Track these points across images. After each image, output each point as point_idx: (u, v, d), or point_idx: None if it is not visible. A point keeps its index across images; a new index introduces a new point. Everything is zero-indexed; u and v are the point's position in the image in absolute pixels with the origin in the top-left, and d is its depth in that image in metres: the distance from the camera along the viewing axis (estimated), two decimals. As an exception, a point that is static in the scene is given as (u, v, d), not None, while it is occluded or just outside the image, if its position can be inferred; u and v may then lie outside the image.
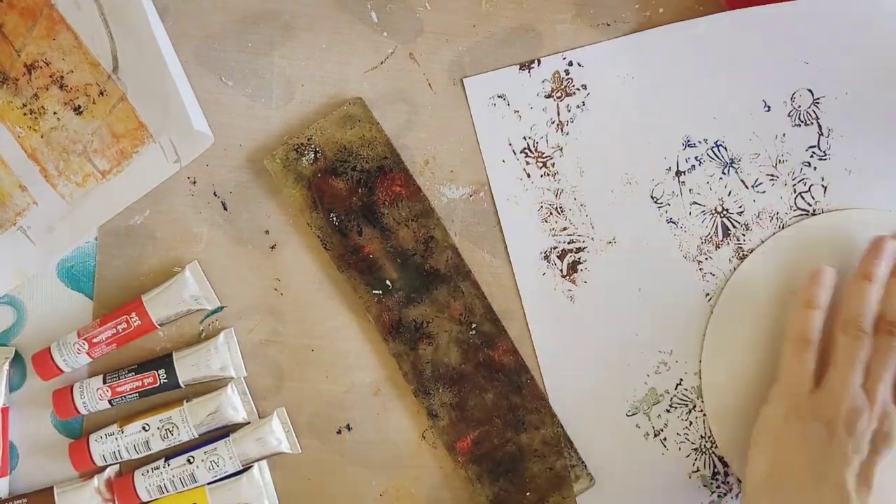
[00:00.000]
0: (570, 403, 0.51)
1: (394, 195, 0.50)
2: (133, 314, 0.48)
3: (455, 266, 0.51)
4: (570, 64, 0.50)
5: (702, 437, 0.51)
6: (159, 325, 0.49)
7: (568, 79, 0.50)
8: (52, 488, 0.49)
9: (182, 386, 0.49)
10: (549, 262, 0.51)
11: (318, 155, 0.50)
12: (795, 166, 0.50)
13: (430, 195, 0.51)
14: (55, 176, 0.48)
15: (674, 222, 0.50)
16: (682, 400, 0.51)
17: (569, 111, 0.50)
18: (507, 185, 0.51)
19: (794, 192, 0.50)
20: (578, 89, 0.50)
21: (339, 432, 0.50)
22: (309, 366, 0.51)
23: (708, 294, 0.50)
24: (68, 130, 0.47)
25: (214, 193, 0.50)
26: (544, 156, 0.51)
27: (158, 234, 0.50)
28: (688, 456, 0.51)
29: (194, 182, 0.50)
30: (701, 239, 0.51)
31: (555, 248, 0.51)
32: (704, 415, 0.51)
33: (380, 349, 0.51)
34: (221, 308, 0.50)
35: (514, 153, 0.51)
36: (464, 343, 0.50)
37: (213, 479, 0.48)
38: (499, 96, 0.50)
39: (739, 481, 0.51)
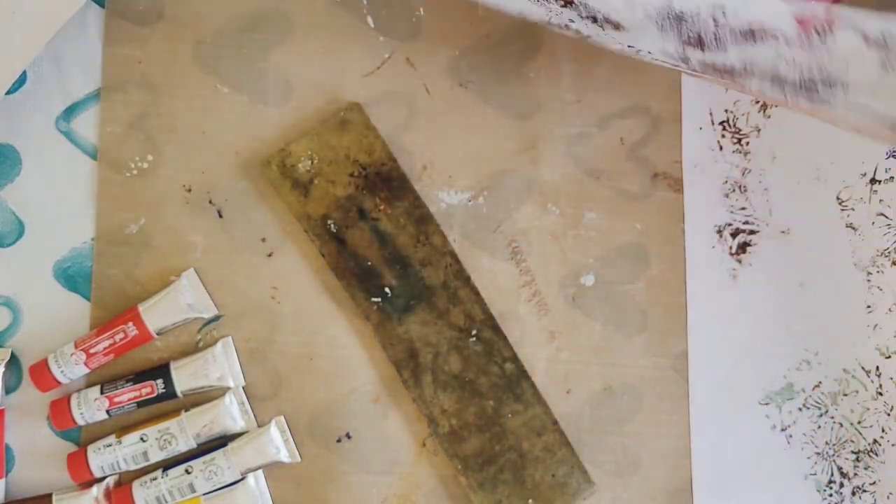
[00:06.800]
0: (707, 377, 0.51)
1: (391, 201, 0.50)
2: (130, 324, 0.48)
3: (454, 272, 0.50)
4: None
5: (826, 442, 0.51)
6: (156, 334, 0.48)
7: None
8: (50, 495, 0.48)
9: (180, 396, 0.48)
10: (720, 236, 0.51)
11: (315, 161, 0.50)
12: None
13: (429, 200, 0.50)
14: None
15: (853, 228, 0.50)
16: (816, 402, 0.51)
17: None
18: (697, 153, 0.51)
19: None
20: None
21: (339, 441, 0.50)
22: (308, 374, 0.50)
23: (869, 306, 0.50)
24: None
25: (210, 201, 0.50)
26: (741, 132, 0.50)
27: (154, 243, 0.50)
28: (809, 458, 0.51)
29: (189, 190, 0.50)
30: (877, 251, 0.50)
31: (729, 224, 0.51)
32: (835, 422, 0.50)
33: (379, 357, 0.50)
34: (219, 317, 0.50)
35: (713, 123, 0.51)
36: (464, 350, 0.50)
37: (211, 489, 0.48)
38: None
39: (853, 494, 0.51)
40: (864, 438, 0.51)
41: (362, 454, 0.50)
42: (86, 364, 0.48)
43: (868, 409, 0.51)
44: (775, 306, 0.51)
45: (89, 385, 0.49)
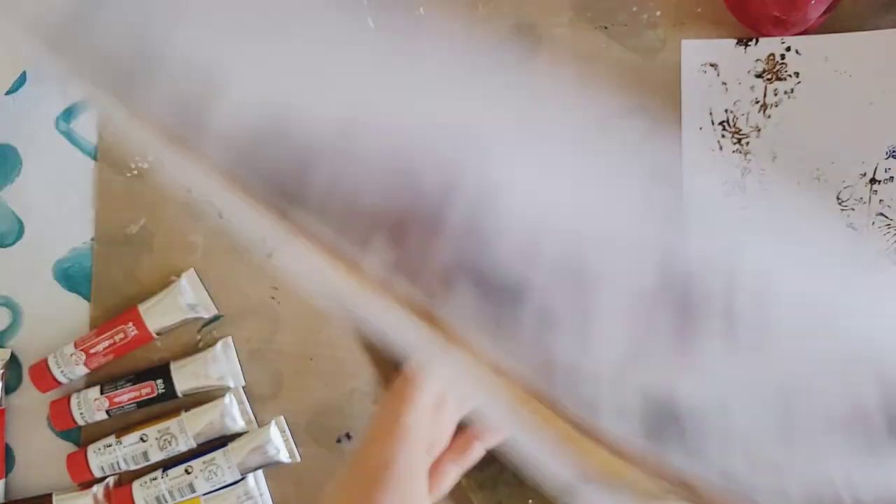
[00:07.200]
0: None
1: (392, 201, 0.50)
2: (130, 324, 0.48)
3: (454, 272, 0.50)
4: (788, 49, 0.49)
5: None
6: (157, 334, 0.48)
7: (782, 63, 0.49)
8: (50, 495, 0.49)
9: (180, 396, 0.48)
10: None
11: (315, 161, 0.50)
12: None
13: (429, 201, 0.50)
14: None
15: (853, 228, 0.50)
16: None
17: (776, 95, 0.50)
18: (696, 153, 0.50)
19: None
20: (790, 76, 0.49)
21: (338, 441, 0.50)
22: (308, 374, 0.50)
23: None
24: None
25: (211, 201, 0.50)
26: (741, 132, 0.50)
27: (155, 243, 0.50)
28: None
29: (190, 190, 0.50)
30: (877, 251, 0.50)
31: None
32: None
33: (379, 357, 0.50)
34: (219, 317, 0.50)
35: (712, 123, 0.50)
36: (464, 350, 0.50)
37: (210, 489, 0.48)
38: (711, 65, 0.50)
39: None
40: (864, 439, 0.51)
41: (362, 454, 0.50)
42: (86, 364, 0.48)
43: (868, 409, 0.51)
44: None
45: (89, 385, 0.49)
